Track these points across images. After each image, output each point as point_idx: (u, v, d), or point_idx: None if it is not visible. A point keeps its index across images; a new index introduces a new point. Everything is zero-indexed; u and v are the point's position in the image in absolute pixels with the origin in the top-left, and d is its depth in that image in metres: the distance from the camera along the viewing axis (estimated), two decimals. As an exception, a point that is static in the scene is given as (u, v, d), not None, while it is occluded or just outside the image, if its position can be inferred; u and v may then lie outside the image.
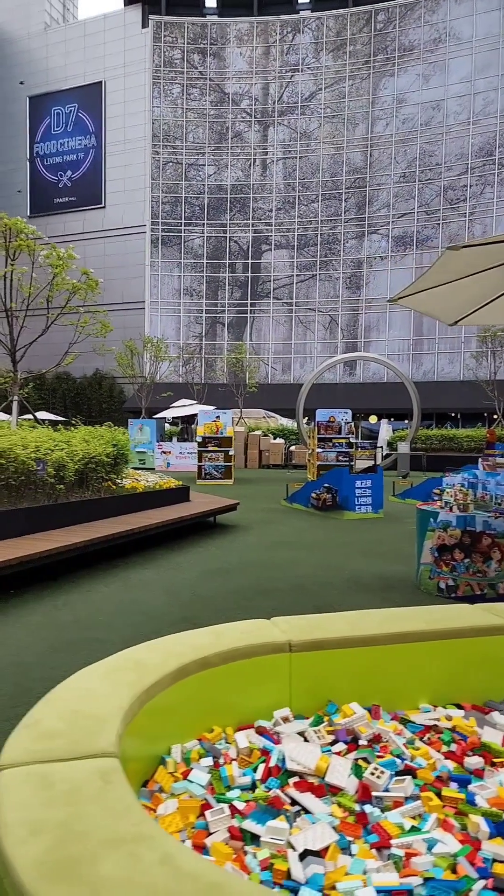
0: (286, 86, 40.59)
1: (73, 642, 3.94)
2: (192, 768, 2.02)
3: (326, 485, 9.72)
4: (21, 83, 48.67)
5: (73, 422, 9.18)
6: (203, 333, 41.67)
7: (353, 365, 37.80)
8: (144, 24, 42.88)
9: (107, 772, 1.52)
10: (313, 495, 9.98)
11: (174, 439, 25.89)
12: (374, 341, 38.39)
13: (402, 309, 37.22)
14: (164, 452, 21.79)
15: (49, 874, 1.18)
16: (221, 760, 2.08)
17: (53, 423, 10.65)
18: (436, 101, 37.10)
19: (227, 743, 2.21)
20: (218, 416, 17.15)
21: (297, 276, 40.41)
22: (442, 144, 36.94)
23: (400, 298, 4.63)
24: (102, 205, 45.56)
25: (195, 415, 26.23)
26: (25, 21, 48.35)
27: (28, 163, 47.89)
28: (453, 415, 34.63)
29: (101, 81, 45.47)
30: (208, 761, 2.06)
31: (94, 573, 5.86)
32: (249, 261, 41.23)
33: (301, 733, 2.23)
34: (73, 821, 1.33)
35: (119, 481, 8.19)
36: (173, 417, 27.51)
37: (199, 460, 16.99)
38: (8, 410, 10.95)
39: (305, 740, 2.19)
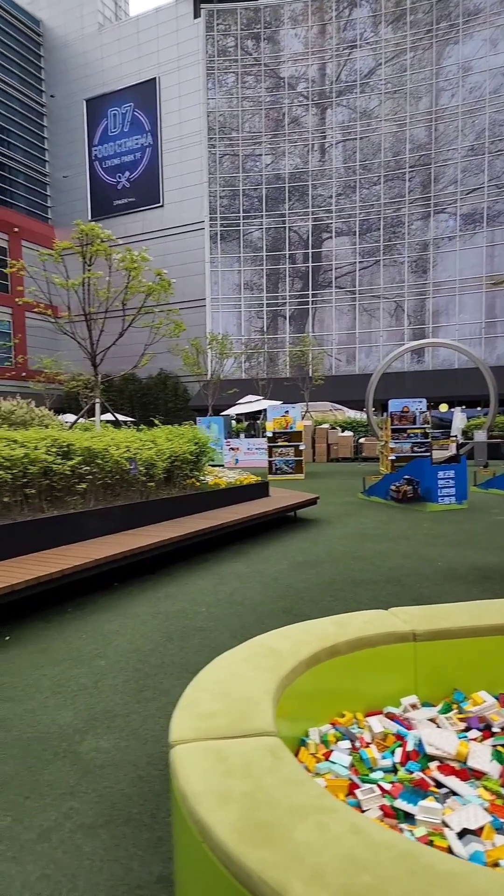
0: (344, 64, 39.62)
1: (181, 631, 4.14)
2: (331, 750, 2.13)
3: (407, 476, 9.60)
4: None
5: (156, 422, 9.50)
6: (265, 328, 41.72)
7: (422, 352, 36.83)
8: (196, 15, 42.81)
9: (274, 749, 1.64)
10: (393, 487, 9.89)
11: (241, 436, 26.17)
12: (444, 326, 37.23)
13: (473, 291, 35.95)
14: (233, 449, 22.06)
15: (248, 839, 1.31)
16: (357, 744, 2.17)
17: (136, 424, 11.04)
18: (505, 65, 35.23)
19: (359, 728, 2.30)
20: (287, 411, 17.20)
21: (359, 262, 39.70)
22: (513, 112, 35.13)
23: None
24: (160, 203, 46.28)
25: (260, 411, 26.44)
26: (79, 23, 49.33)
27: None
28: (529, 399, 33.13)
29: (155, 78, 45.87)
30: (346, 744, 2.16)
31: (188, 566, 6.09)
32: (310, 250, 40.86)
33: (432, 720, 2.29)
34: (256, 791, 1.46)
35: (203, 478, 8.42)
36: (237, 414, 27.76)
37: (270, 455, 17.10)
38: (76, 412, 11.42)
39: (437, 726, 2.25)
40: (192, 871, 1.46)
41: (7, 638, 4.06)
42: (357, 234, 39.58)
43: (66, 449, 6.01)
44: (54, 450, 5.83)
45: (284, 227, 41.18)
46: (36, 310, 10.77)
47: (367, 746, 2.15)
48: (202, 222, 42.78)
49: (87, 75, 48.97)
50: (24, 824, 2.11)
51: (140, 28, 46.58)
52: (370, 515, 9.14)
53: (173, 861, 1.79)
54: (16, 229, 45.39)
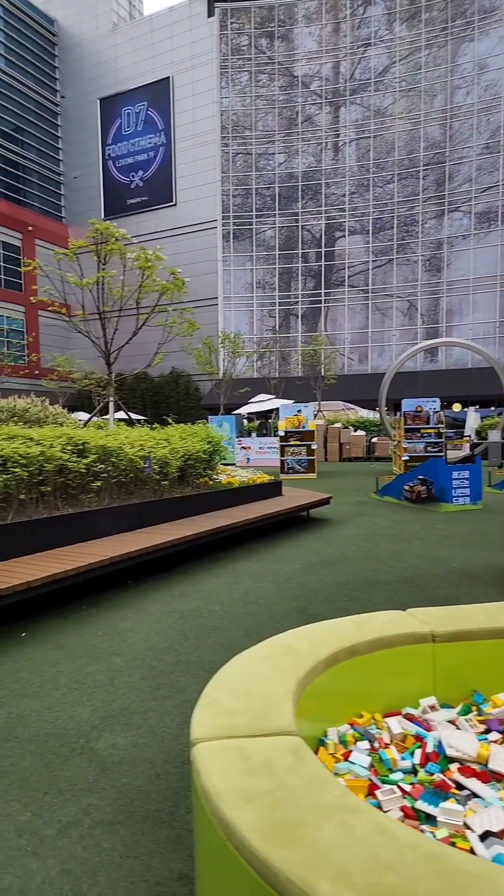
0: (358, 62, 39.43)
1: (196, 630, 4.15)
2: (350, 750, 2.12)
3: (421, 476, 9.56)
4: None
5: (169, 421, 9.52)
6: (277, 326, 41.66)
7: (435, 351, 36.62)
8: (210, 13, 42.82)
9: (295, 748, 1.64)
10: (406, 487, 9.84)
11: (253, 434, 26.17)
12: (457, 325, 36.97)
13: (488, 290, 35.66)
14: (244, 448, 22.06)
15: (273, 838, 1.31)
16: (376, 745, 2.17)
17: (148, 422, 11.08)
18: (522, 63, 34.84)
19: (377, 728, 2.30)
20: (300, 410, 17.18)
21: (372, 261, 39.53)
22: (529, 109, 34.75)
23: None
24: (173, 202, 46.42)
25: (272, 410, 26.43)
26: (93, 22, 49.54)
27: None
28: (544, 399, 32.84)
29: (168, 77, 45.99)
30: (364, 745, 2.16)
31: (202, 565, 6.10)
32: (322, 249, 40.75)
33: (451, 721, 2.28)
34: (279, 790, 1.46)
35: (216, 477, 8.43)
36: (248, 413, 27.74)
37: (282, 455, 17.11)
38: (89, 410, 11.49)
39: (457, 728, 2.24)
40: (215, 868, 1.47)
41: (23, 634, 4.09)
42: (370, 232, 39.40)
43: (81, 447, 6.05)
44: (70, 448, 5.87)
45: (297, 226, 41.09)
46: (51, 308, 10.84)
47: (387, 747, 2.14)
48: (215, 221, 42.80)
49: (101, 74, 49.16)
50: (44, 819, 2.13)
51: (154, 27, 46.67)
52: (383, 515, 9.10)
53: (194, 858, 1.80)
54: (30, 228, 45.67)
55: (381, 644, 2.45)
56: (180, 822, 2.11)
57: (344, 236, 40.35)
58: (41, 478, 5.55)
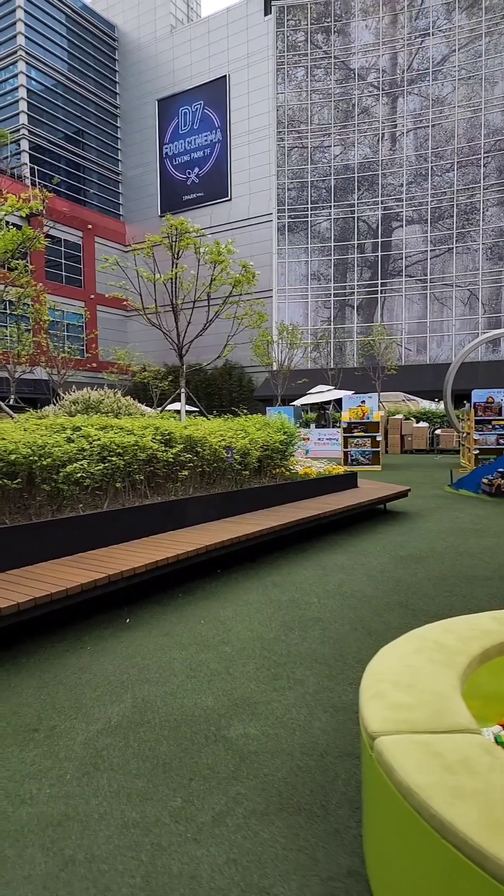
0: (416, 52, 38.49)
1: (299, 621, 4.10)
2: (513, 752, 2.02)
3: (501, 469, 9.22)
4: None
5: (240, 412, 9.52)
6: (332, 317, 41.19)
7: (497, 341, 35.35)
8: (267, 12, 43.20)
9: (488, 747, 1.56)
10: (485, 480, 9.51)
11: (312, 426, 25.93)
12: (522, 315, 35.63)
13: None
14: (303, 439, 21.85)
15: (500, 838, 1.23)
16: (537, 745, 2.05)
17: (222, 414, 11.12)
18: None
19: (532, 729, 2.18)
20: (363, 401, 16.92)
21: (431, 251, 38.49)
22: None
23: None
24: (228, 197, 46.84)
25: (329, 401, 26.10)
26: (152, 26, 50.87)
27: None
28: None
29: (225, 75, 46.55)
30: (526, 746, 2.05)
31: (286, 556, 6.05)
32: (379, 239, 39.98)
33: None
34: (490, 790, 1.38)
35: (291, 468, 8.38)
36: (303, 404, 27.52)
37: (345, 446, 16.91)
38: (145, 402, 11.61)
39: None
40: (427, 868, 1.39)
41: (128, 620, 4.14)
42: (428, 221, 38.39)
43: (168, 437, 6.10)
44: (158, 438, 5.93)
45: (353, 217, 40.46)
46: (126, 303, 11.03)
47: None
48: (270, 214, 42.72)
49: (159, 76, 50.16)
50: (196, 806, 2.12)
51: (211, 28, 47.35)
52: (463, 510, 8.82)
53: (369, 854, 1.74)
54: (89, 226, 46.82)
55: (533, 641, 2.33)
56: (334, 816, 2.06)
57: (401, 226, 39.45)
58: (133, 467, 5.62)
